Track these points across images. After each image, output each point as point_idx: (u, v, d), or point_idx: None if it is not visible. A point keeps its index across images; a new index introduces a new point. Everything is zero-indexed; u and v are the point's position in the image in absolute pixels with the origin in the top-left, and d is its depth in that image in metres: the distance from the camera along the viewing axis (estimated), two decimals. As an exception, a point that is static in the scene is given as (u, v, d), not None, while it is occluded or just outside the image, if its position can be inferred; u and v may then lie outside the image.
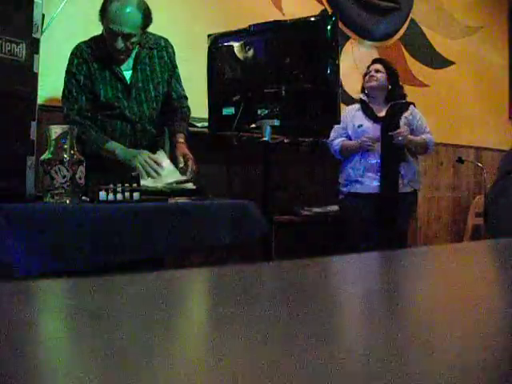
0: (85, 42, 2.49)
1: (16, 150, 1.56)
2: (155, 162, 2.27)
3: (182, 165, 2.37)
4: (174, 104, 2.62)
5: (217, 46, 2.49)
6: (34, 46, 1.58)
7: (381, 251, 0.51)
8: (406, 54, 5.42)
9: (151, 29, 2.56)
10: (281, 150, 3.55)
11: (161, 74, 2.57)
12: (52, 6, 2.94)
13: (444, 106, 5.58)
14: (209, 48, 2.52)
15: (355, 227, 3.57)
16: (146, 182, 2.11)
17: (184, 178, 2.26)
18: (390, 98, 3.66)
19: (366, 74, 3.74)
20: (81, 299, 0.29)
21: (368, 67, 3.77)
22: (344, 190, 3.66)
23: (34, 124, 1.58)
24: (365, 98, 3.68)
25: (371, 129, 3.57)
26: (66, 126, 1.74)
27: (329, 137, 3.72)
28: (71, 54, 2.48)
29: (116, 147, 2.37)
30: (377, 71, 3.67)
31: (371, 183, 3.56)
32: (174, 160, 2.39)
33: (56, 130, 1.68)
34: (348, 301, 0.31)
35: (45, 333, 0.24)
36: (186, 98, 2.68)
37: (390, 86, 3.68)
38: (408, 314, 0.26)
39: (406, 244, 3.71)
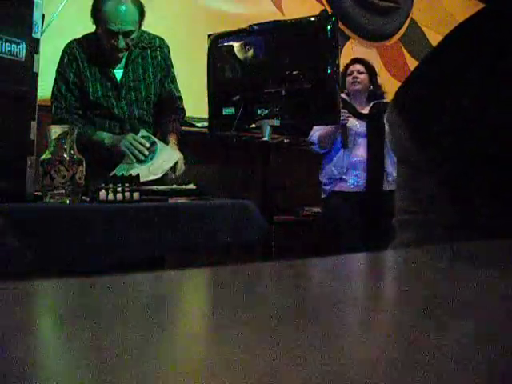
0: (77, 40, 2.48)
1: (16, 150, 1.56)
2: (140, 143, 2.33)
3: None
4: (167, 105, 2.59)
5: (217, 46, 2.49)
6: (34, 46, 1.58)
7: (376, 251, 0.51)
8: (406, 54, 5.42)
9: (150, 28, 2.55)
10: (281, 150, 3.55)
11: (153, 75, 2.54)
12: (52, 6, 2.94)
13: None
14: (209, 48, 2.52)
15: (339, 227, 3.52)
16: (136, 170, 2.16)
17: (170, 164, 2.34)
18: (372, 97, 3.67)
19: (346, 74, 3.70)
20: (80, 299, 0.29)
21: (347, 67, 3.72)
22: (327, 188, 3.62)
23: (33, 124, 1.57)
24: (346, 97, 3.66)
25: (356, 126, 3.55)
26: (66, 126, 1.74)
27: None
28: (62, 51, 2.47)
29: (104, 137, 2.42)
30: (359, 72, 3.65)
31: (356, 181, 3.52)
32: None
33: (56, 130, 1.68)
34: (349, 302, 0.31)
35: (43, 333, 0.24)
36: (181, 98, 2.65)
37: (371, 86, 3.68)
38: (411, 315, 0.26)
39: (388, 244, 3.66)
